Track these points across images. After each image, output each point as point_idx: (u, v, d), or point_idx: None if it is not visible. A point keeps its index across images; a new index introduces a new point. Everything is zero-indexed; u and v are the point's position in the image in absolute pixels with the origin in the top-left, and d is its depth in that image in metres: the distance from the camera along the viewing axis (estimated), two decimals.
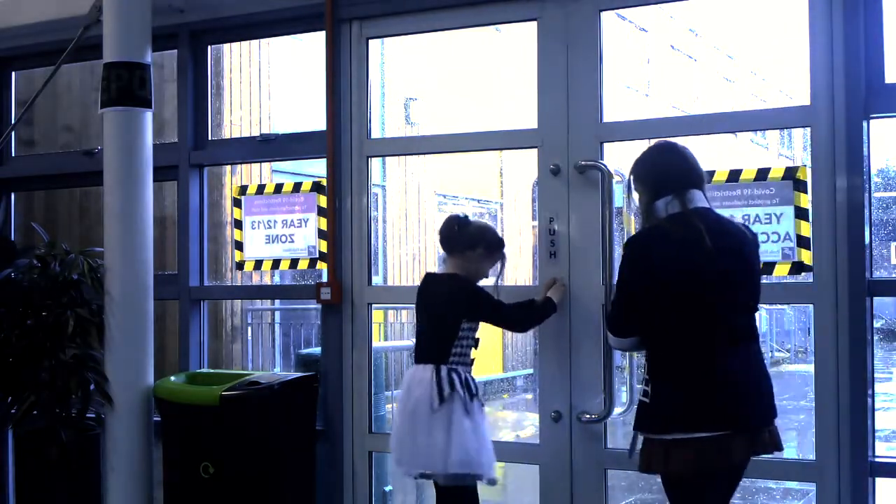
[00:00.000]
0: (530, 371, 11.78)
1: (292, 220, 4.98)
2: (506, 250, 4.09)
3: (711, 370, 3.15)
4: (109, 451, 4.37)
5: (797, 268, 3.92)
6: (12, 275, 4.72)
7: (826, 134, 3.84)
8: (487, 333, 4.13)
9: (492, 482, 3.89)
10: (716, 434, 3.11)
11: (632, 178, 3.38)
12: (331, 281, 4.69)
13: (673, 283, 3.14)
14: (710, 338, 3.16)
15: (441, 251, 4.16)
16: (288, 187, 5.04)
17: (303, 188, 4.98)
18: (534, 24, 4.36)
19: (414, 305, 4.12)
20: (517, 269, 12.42)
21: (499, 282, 4.12)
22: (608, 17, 4.27)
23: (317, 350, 5.13)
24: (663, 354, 3.20)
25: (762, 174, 3.99)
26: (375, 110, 4.93)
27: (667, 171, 3.28)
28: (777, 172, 3.99)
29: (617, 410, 4.22)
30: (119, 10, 4.40)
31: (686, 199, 3.24)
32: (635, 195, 3.41)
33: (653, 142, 3.52)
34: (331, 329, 4.72)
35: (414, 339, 4.08)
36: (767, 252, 3.95)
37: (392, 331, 9.82)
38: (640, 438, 3.28)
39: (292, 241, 4.99)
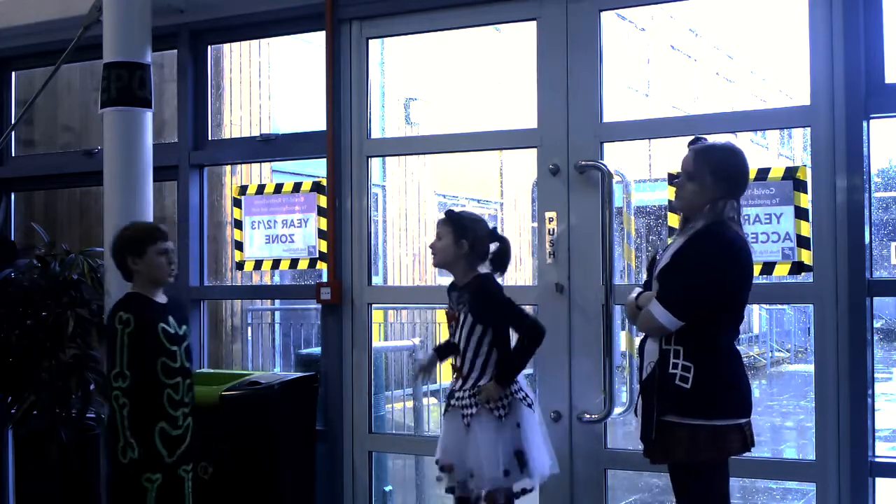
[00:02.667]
0: (530, 371, 11.76)
1: (292, 220, 4.98)
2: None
3: (741, 359, 3.31)
4: None
5: (797, 268, 3.92)
6: (12, 275, 4.72)
7: (826, 134, 3.84)
8: None
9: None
10: (748, 419, 3.27)
11: (707, 169, 3.23)
12: (331, 281, 4.69)
13: (743, 279, 3.25)
14: (738, 330, 3.33)
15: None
16: (288, 187, 5.04)
17: (303, 188, 4.98)
18: (533, 23, 4.36)
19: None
20: (518, 270, 12.42)
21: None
22: (608, 17, 4.27)
23: (317, 350, 5.13)
24: (715, 342, 3.23)
25: (762, 174, 3.99)
26: (375, 110, 4.93)
27: (746, 178, 3.31)
28: (777, 172, 3.98)
29: (617, 410, 4.22)
30: (119, 10, 4.39)
31: (741, 204, 3.33)
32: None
33: (715, 139, 3.40)
34: (331, 329, 4.72)
35: (445, 341, 3.99)
36: (767, 252, 3.96)
37: (392, 331, 9.81)
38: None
39: (292, 241, 4.98)
